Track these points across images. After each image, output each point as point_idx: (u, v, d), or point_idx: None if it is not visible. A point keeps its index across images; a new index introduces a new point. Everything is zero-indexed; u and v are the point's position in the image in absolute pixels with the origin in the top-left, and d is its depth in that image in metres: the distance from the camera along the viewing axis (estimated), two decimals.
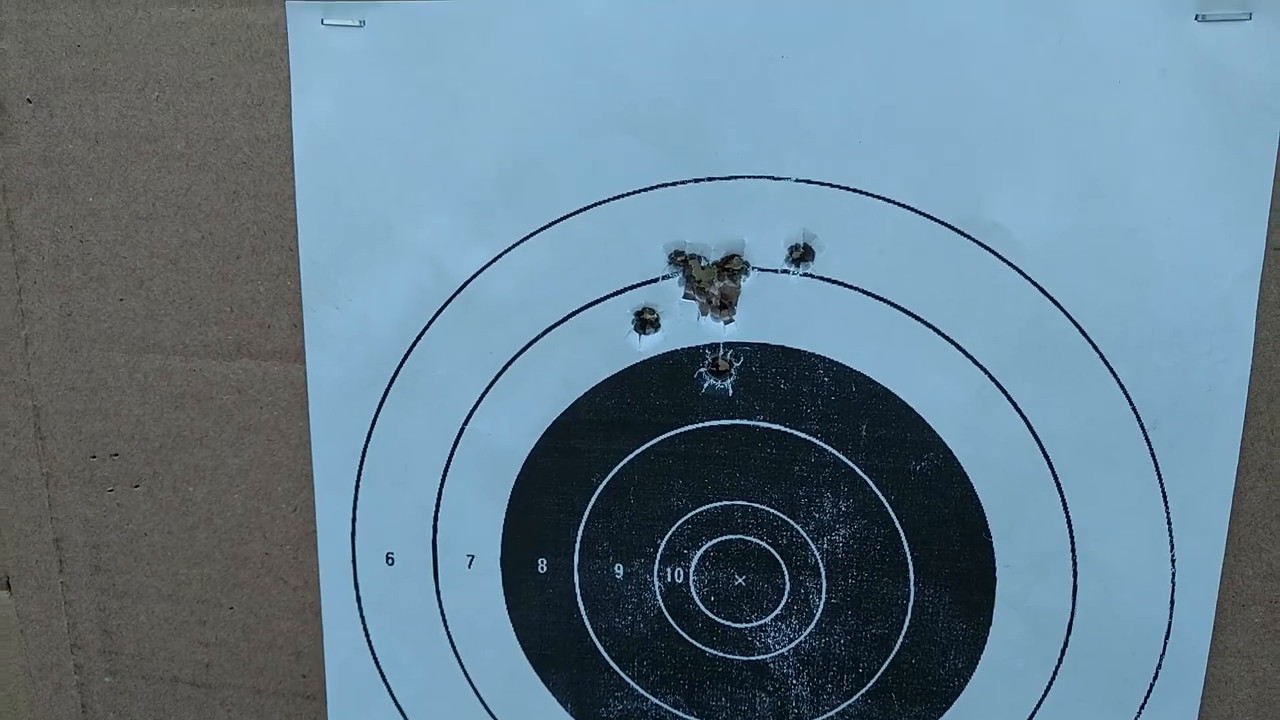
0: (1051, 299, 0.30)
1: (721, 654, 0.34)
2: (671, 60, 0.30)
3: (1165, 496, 0.31)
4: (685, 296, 0.32)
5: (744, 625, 0.34)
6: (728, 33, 0.30)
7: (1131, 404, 0.30)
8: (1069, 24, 0.28)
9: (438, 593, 0.35)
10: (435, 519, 0.35)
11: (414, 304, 0.33)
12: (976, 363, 0.31)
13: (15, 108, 0.34)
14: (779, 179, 0.31)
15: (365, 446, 0.34)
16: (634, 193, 0.31)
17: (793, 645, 0.34)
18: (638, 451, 0.33)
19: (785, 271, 0.31)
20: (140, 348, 0.35)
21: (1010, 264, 0.30)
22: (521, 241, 0.32)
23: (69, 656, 0.39)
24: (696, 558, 0.34)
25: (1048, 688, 0.33)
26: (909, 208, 0.30)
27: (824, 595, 0.33)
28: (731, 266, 0.32)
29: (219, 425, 0.35)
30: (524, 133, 0.31)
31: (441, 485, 0.34)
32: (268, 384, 0.35)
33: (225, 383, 0.35)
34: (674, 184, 0.31)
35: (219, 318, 0.34)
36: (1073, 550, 0.31)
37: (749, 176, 0.31)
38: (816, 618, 0.34)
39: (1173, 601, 0.31)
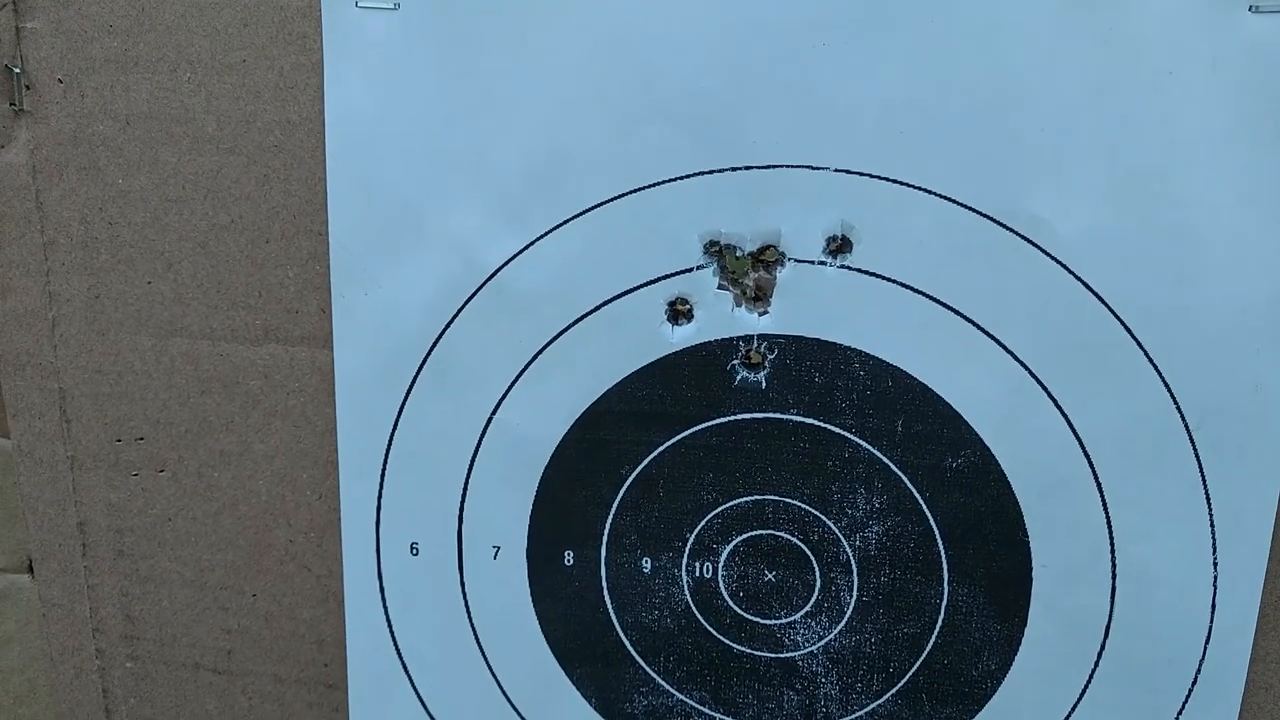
0: (1095, 294, 0.29)
1: (749, 650, 0.34)
2: (709, 47, 0.29)
3: (1209, 498, 0.30)
4: (720, 287, 0.31)
5: (773, 622, 0.34)
6: (767, 20, 0.29)
7: (1176, 403, 0.30)
8: (1118, 14, 0.28)
9: (462, 583, 0.35)
10: (461, 509, 0.34)
11: (444, 291, 0.33)
12: (1016, 358, 0.30)
13: (46, 88, 0.33)
14: (817, 169, 0.30)
15: (392, 435, 0.34)
16: (669, 181, 0.31)
17: (822, 643, 0.33)
18: (668, 444, 0.33)
19: (822, 263, 0.31)
20: (168, 331, 0.35)
21: (1053, 258, 0.29)
22: (554, 230, 0.32)
23: (91, 641, 0.39)
24: (726, 552, 0.33)
25: (1083, 691, 0.32)
26: (950, 199, 0.30)
27: (855, 593, 0.33)
28: (767, 257, 0.31)
29: (245, 411, 0.35)
30: (558, 120, 0.31)
31: (468, 475, 0.34)
32: (295, 370, 0.34)
33: (252, 368, 0.35)
34: (710, 172, 0.31)
35: (247, 302, 0.34)
36: (1112, 552, 0.31)
37: (787, 166, 0.30)
38: (847, 615, 0.33)
39: (1214, 605, 0.31)
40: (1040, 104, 0.29)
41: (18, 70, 0.33)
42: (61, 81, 0.33)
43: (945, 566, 0.32)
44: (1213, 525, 0.30)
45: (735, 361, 0.32)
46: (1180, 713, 0.31)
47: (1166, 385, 0.30)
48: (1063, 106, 0.28)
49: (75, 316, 0.35)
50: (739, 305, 0.32)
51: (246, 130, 0.33)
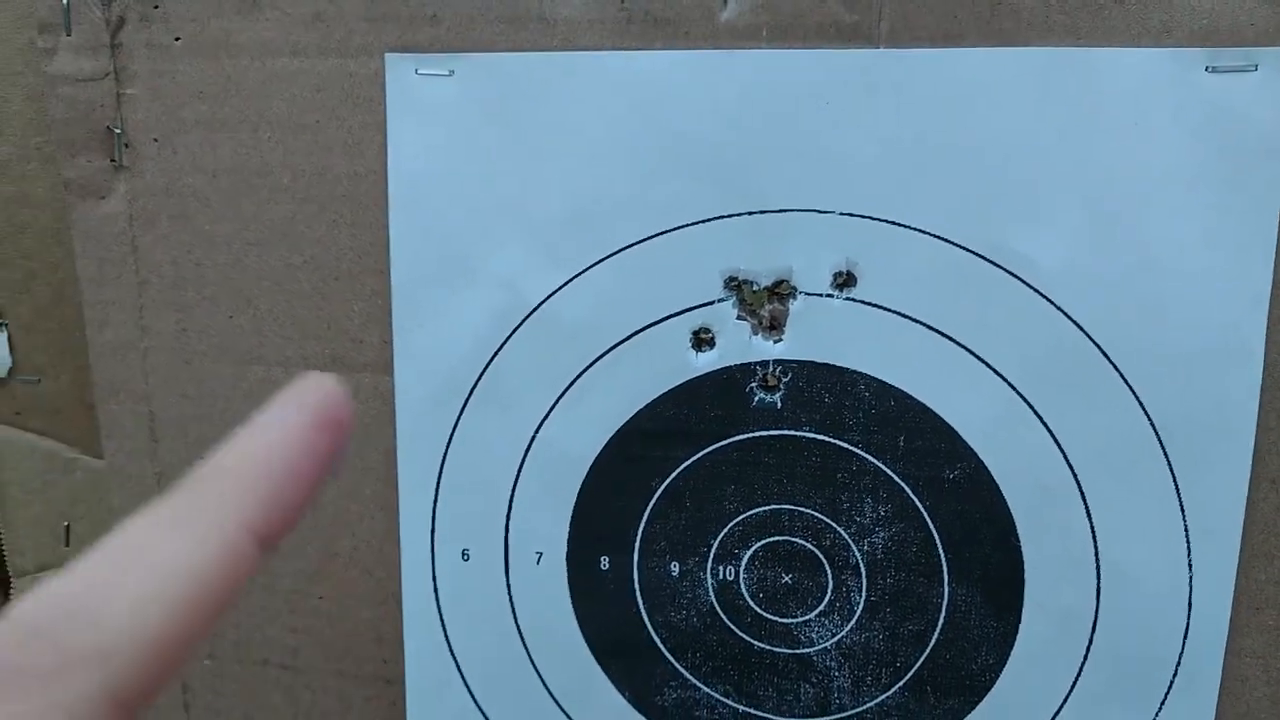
0: (1074, 322, 0.33)
1: (769, 647, 0.37)
2: (728, 109, 0.33)
3: (1182, 505, 0.33)
4: (738, 318, 0.35)
5: (790, 621, 0.37)
6: (776, 83, 0.33)
7: (1149, 419, 0.33)
8: (1089, 76, 0.31)
9: (508, 586, 0.38)
10: (507, 519, 0.38)
11: (492, 324, 0.36)
12: (1005, 380, 0.34)
13: (143, 146, 0.38)
14: (824, 212, 0.34)
15: (445, 452, 0.38)
16: (692, 224, 0.35)
17: (835, 640, 0.37)
18: (693, 459, 0.36)
19: (830, 296, 0.34)
20: (247, 360, 0.39)
21: (1036, 290, 0.33)
22: (590, 268, 0.35)
23: None
24: (746, 557, 0.37)
25: (1074, 683, 0.35)
26: (943, 239, 0.33)
27: (864, 593, 0.36)
28: (781, 291, 0.35)
29: None
30: (594, 172, 0.35)
31: (514, 488, 0.38)
32: (359, 394, 0.38)
33: None
34: (728, 216, 0.34)
35: (317, 333, 0.38)
36: (1096, 555, 0.34)
37: (796, 210, 0.34)
38: (857, 614, 0.36)
39: (1190, 604, 0.34)
40: (1022, 155, 0.32)
41: (118, 130, 0.38)
42: (156, 140, 0.38)
43: (945, 569, 0.35)
44: (1186, 529, 0.33)
45: (753, 384, 0.36)
46: (1164, 702, 0.34)
47: (1140, 402, 0.33)
48: (1042, 156, 0.32)
49: (164, 348, 0.40)
50: (756, 334, 0.35)
51: (318, 182, 0.37)
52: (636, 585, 0.38)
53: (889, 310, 0.34)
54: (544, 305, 0.36)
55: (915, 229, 0.33)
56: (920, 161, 0.33)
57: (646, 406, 0.36)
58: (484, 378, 0.37)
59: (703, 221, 0.34)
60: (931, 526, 0.35)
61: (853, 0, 0.32)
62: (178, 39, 0.37)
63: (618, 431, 0.36)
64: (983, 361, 0.34)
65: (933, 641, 0.36)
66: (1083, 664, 0.35)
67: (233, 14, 0.36)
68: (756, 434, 0.36)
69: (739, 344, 0.35)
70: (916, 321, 0.34)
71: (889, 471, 0.35)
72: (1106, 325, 0.33)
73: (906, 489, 0.35)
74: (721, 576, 0.37)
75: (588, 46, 0.34)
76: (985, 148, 0.32)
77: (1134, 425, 0.33)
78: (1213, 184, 0.31)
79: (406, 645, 0.40)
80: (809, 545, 0.36)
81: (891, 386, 0.34)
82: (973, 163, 0.32)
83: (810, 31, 0.33)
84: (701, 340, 0.35)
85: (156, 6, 0.37)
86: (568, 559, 0.38)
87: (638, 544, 0.37)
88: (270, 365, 0.39)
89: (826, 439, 0.35)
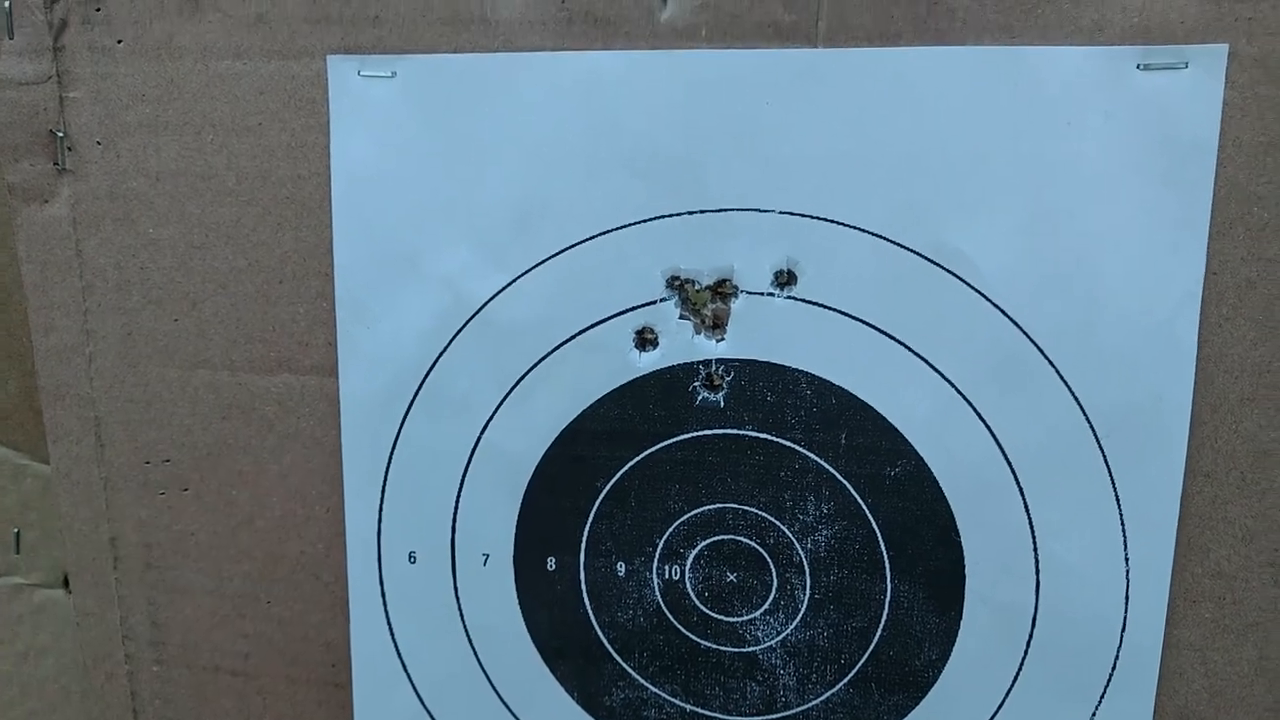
0: (1011, 320, 0.33)
1: (715, 646, 0.37)
2: (669, 108, 0.33)
3: (1118, 500, 0.33)
4: (681, 317, 0.35)
5: (735, 619, 0.37)
6: (717, 82, 0.33)
7: (1086, 415, 0.33)
8: (1025, 74, 0.32)
9: (455, 589, 0.38)
10: (454, 521, 0.38)
11: (436, 325, 0.37)
12: (944, 377, 0.34)
13: (86, 149, 0.38)
14: (765, 211, 0.34)
15: (391, 454, 0.38)
16: (634, 224, 0.35)
17: (780, 638, 0.37)
18: (638, 458, 0.36)
19: (771, 294, 0.35)
20: (192, 364, 0.39)
21: (974, 288, 0.33)
22: (533, 268, 0.36)
23: (120, 647, 0.42)
24: (692, 556, 0.37)
25: (1015, 677, 0.35)
26: (883, 237, 0.33)
27: (808, 591, 0.36)
28: (723, 290, 0.35)
29: (261, 434, 0.39)
30: (537, 172, 0.35)
31: (460, 490, 0.38)
32: (305, 397, 0.38)
33: (267, 395, 0.39)
34: (670, 216, 0.34)
35: (262, 336, 0.38)
36: (1035, 550, 0.34)
37: (738, 209, 0.34)
38: (801, 612, 0.36)
39: (1127, 598, 0.34)
40: (960, 153, 0.32)
41: (61, 134, 0.38)
42: (99, 143, 0.38)
43: (888, 566, 0.36)
44: (1123, 525, 0.33)
45: (696, 383, 0.36)
46: (1103, 695, 0.35)
47: (1077, 399, 0.33)
48: (980, 155, 0.32)
49: (110, 351, 0.39)
50: (698, 333, 0.35)
51: (262, 184, 0.37)
52: (583, 586, 0.38)
53: (830, 309, 0.34)
54: (487, 306, 0.36)
55: (854, 227, 0.33)
56: (860, 161, 0.33)
57: (590, 407, 0.36)
58: (429, 380, 0.37)
59: (644, 221, 0.35)
60: (873, 524, 0.35)
61: (791, 0, 0.33)
62: (120, 41, 0.37)
63: (562, 432, 0.36)
64: (922, 359, 0.34)
65: (876, 638, 0.36)
66: (1023, 658, 0.35)
67: (175, 16, 0.36)
68: (700, 433, 0.36)
69: (682, 343, 0.35)
70: (857, 320, 0.34)
71: (831, 469, 0.35)
72: (1043, 323, 0.33)
73: (849, 487, 0.35)
74: (667, 576, 0.37)
75: (529, 47, 0.34)
76: (924, 147, 0.32)
77: (1070, 422, 0.33)
78: (1146, 183, 0.32)
79: (354, 649, 0.40)
80: (753, 544, 0.36)
81: (833, 385, 0.35)
82: (912, 162, 0.33)
83: (749, 31, 0.33)
84: (645, 340, 0.35)
85: (98, 9, 0.37)
86: (514, 560, 0.38)
87: (584, 544, 0.37)
88: (216, 369, 0.39)
89: (769, 438, 0.35)
